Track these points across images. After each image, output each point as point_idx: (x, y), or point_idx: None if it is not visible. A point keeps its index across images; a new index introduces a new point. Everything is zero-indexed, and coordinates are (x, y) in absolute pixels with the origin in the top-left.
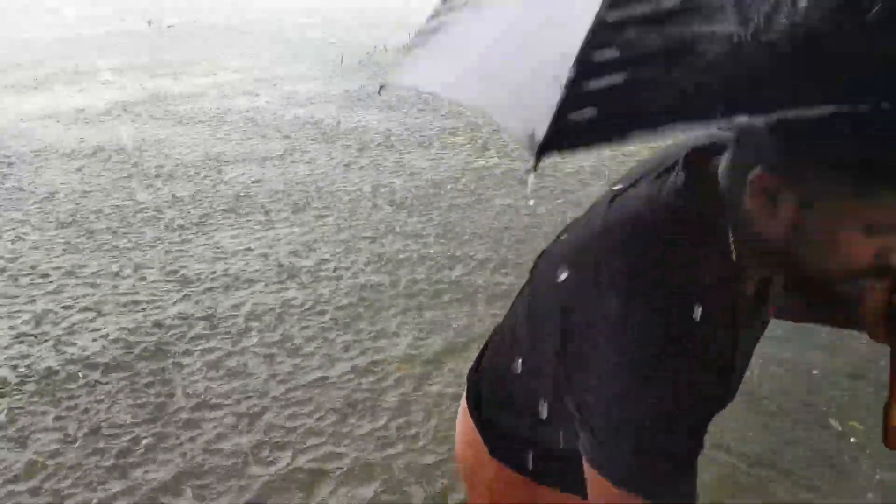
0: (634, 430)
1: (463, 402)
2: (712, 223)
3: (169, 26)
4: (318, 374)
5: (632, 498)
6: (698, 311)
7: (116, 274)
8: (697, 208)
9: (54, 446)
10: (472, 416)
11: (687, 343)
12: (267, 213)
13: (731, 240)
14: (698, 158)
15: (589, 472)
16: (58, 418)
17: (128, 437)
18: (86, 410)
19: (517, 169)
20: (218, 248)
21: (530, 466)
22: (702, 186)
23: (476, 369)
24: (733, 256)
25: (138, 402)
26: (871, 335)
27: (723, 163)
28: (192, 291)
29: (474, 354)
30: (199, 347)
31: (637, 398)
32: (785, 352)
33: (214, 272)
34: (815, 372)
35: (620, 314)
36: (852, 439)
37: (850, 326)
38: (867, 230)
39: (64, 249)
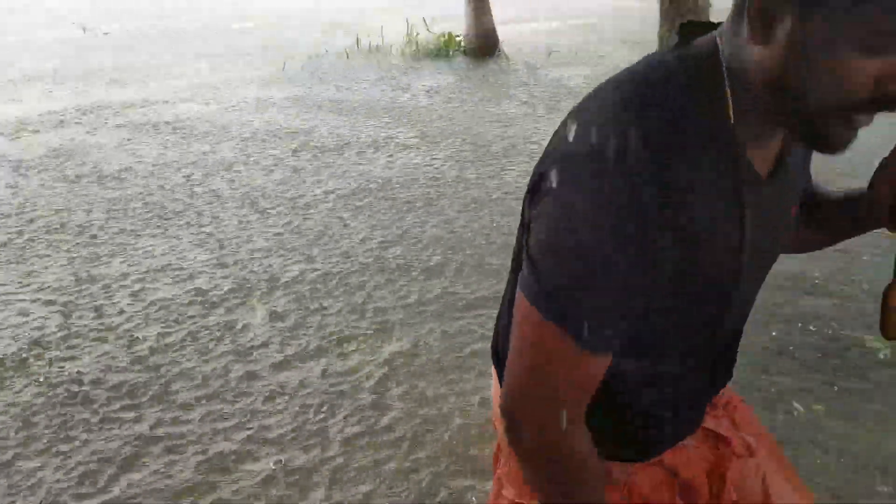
0: (571, 262)
1: None
2: (707, 76)
3: (105, 33)
4: (284, 360)
5: (551, 327)
6: (677, 163)
7: (70, 283)
8: (692, 62)
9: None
10: (494, 364)
11: (652, 189)
12: (218, 218)
13: (729, 95)
14: (696, 28)
15: (518, 298)
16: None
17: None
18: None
19: (469, 169)
20: (170, 254)
21: None
22: (698, 45)
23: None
24: (730, 115)
25: (53, 401)
26: (887, 226)
27: (726, 20)
28: (147, 300)
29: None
30: (159, 340)
31: (581, 233)
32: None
33: (168, 280)
34: (779, 353)
35: (588, 149)
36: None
37: (864, 226)
38: (867, 49)
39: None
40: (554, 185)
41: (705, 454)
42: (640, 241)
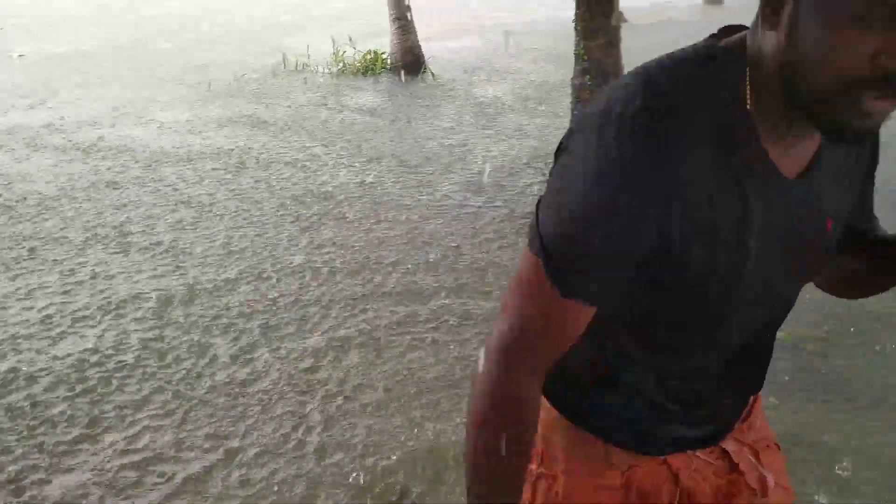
0: (561, 204)
1: None
2: (729, 64)
3: (20, 55)
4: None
5: (534, 261)
6: (675, 133)
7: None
8: (719, 51)
9: None
10: None
11: (643, 151)
12: (159, 235)
13: (748, 83)
14: (727, 30)
15: (524, 247)
16: None
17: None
18: None
19: (403, 182)
20: (107, 277)
21: (566, 402)
22: (730, 39)
23: None
24: (748, 104)
25: None
26: None
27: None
28: (82, 326)
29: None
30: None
31: (572, 180)
32: None
33: (107, 303)
34: None
35: (597, 110)
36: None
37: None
38: (859, 20)
39: None
40: (567, 143)
41: (717, 473)
42: (620, 197)
